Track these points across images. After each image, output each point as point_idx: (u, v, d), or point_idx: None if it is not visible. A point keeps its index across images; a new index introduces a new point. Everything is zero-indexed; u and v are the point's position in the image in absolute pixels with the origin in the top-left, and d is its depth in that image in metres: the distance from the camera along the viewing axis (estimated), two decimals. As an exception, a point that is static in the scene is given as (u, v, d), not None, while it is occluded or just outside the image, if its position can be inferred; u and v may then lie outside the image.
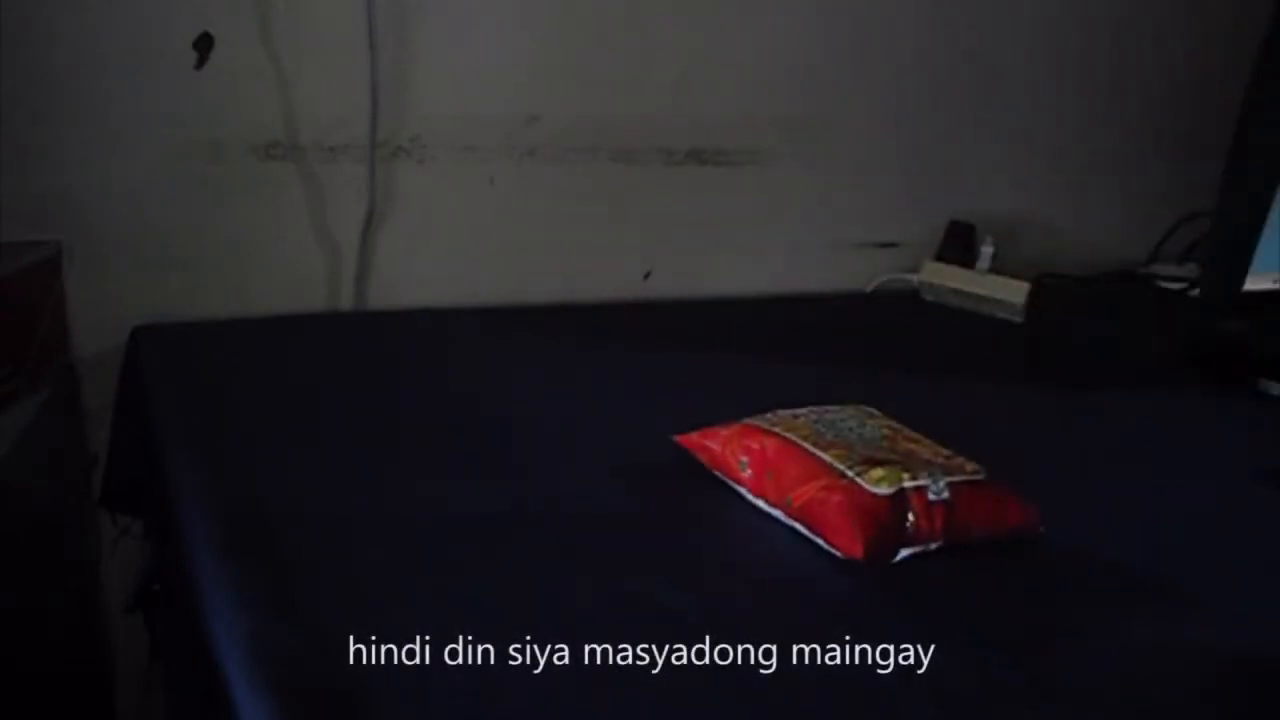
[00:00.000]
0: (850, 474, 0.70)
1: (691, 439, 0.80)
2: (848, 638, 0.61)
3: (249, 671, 0.54)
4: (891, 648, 0.61)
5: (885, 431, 0.78)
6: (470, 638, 0.59)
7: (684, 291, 1.29)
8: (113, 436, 1.00)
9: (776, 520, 0.74)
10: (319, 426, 0.85)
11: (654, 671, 0.58)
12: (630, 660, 0.59)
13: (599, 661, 0.59)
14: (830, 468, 0.71)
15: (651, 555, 0.70)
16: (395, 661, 0.57)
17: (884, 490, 0.68)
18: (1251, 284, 1.14)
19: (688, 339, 1.15)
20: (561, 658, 0.59)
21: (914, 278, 1.35)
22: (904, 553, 0.69)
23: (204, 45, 1.00)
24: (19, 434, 0.94)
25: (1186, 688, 0.62)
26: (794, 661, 0.60)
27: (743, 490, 0.77)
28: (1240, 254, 1.12)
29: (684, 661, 0.59)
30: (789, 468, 0.73)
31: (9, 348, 0.94)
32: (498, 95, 1.14)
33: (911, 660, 0.61)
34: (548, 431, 0.88)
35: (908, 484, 0.69)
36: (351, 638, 0.58)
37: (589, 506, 0.76)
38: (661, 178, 1.24)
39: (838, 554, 0.68)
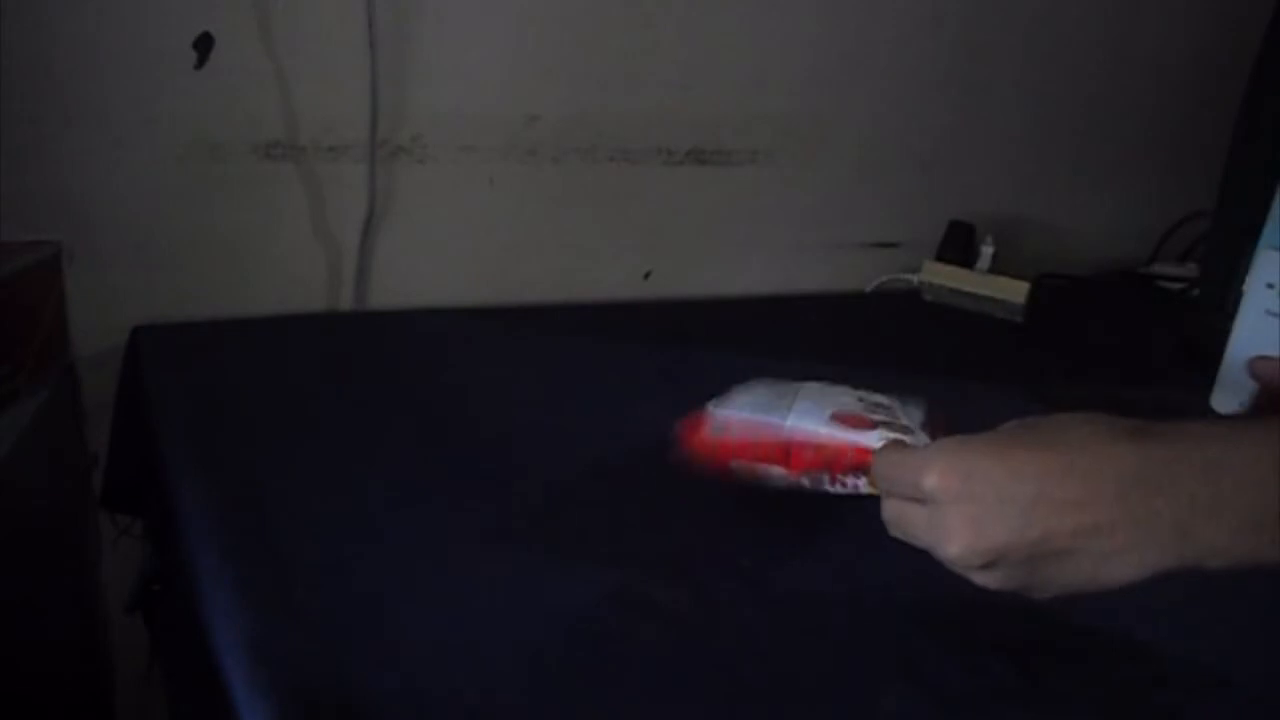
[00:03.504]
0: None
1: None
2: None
3: (249, 671, 0.54)
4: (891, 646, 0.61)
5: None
6: (471, 638, 0.59)
7: (684, 291, 1.29)
8: (113, 436, 1.00)
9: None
10: (319, 426, 0.85)
11: (655, 670, 0.58)
12: (630, 660, 0.59)
13: (601, 662, 0.59)
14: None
15: (653, 555, 0.70)
16: (395, 662, 0.57)
17: None
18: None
19: (688, 339, 1.15)
20: (564, 659, 0.59)
21: (914, 278, 1.35)
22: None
23: (204, 45, 1.00)
24: (19, 434, 0.94)
25: (1186, 689, 0.62)
26: (790, 660, 0.60)
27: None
28: (1240, 254, 1.12)
29: (681, 656, 0.59)
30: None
31: (9, 348, 0.94)
32: (498, 95, 1.14)
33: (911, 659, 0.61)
34: (548, 432, 0.88)
35: None
36: (351, 638, 0.58)
37: (591, 506, 0.76)
38: (661, 178, 1.24)
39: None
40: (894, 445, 0.49)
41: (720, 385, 0.99)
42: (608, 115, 1.19)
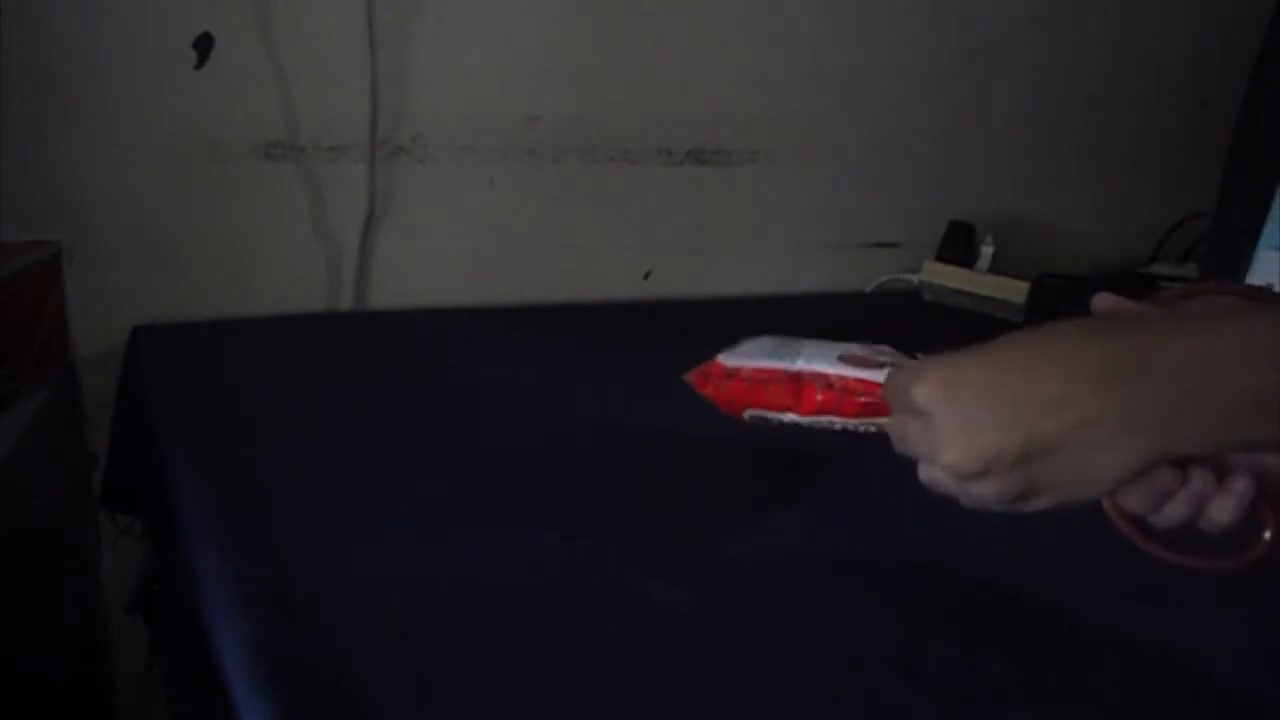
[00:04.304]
0: None
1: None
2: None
3: (249, 671, 0.54)
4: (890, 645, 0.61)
5: None
6: (472, 637, 0.59)
7: (684, 291, 1.29)
8: (113, 436, 1.01)
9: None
10: (319, 426, 0.85)
11: (655, 670, 0.58)
12: (630, 660, 0.59)
13: (601, 661, 0.59)
14: None
15: (653, 553, 0.70)
16: (395, 661, 0.57)
17: None
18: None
19: (688, 339, 1.14)
20: (565, 659, 0.59)
21: (914, 278, 1.35)
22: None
23: (204, 45, 1.00)
24: (19, 434, 0.94)
25: (1187, 689, 0.62)
26: (790, 660, 0.60)
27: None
28: (1240, 254, 1.12)
29: (681, 656, 0.59)
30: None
31: (9, 348, 0.94)
32: (498, 95, 1.14)
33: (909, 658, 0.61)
34: (548, 432, 0.88)
35: None
36: (351, 638, 0.58)
37: (593, 506, 0.76)
38: (661, 178, 1.24)
39: None
40: (898, 368, 0.50)
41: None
42: (608, 115, 1.19)
